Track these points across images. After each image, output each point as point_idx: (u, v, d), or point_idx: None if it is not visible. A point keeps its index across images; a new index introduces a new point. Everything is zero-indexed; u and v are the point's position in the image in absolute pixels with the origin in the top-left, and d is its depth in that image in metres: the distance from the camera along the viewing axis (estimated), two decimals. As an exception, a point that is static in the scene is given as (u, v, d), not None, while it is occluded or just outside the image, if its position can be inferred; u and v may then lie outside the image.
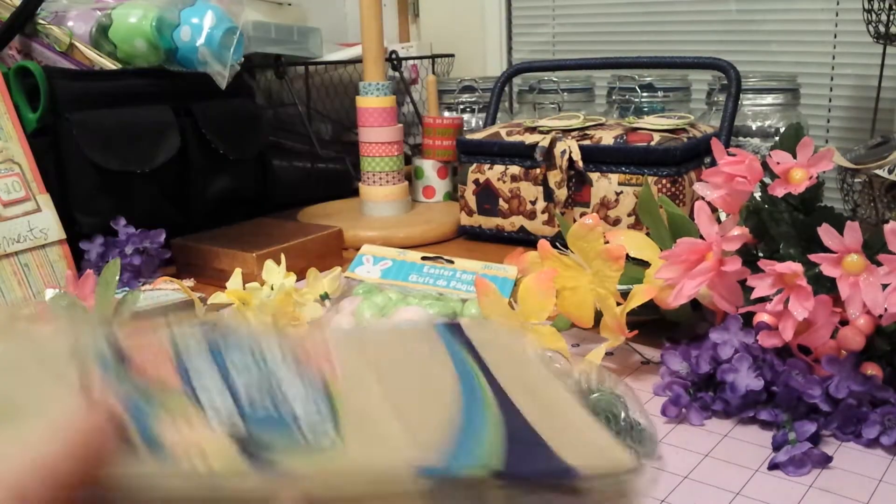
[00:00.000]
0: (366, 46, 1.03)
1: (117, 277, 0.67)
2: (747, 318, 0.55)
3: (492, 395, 0.37)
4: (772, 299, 0.53)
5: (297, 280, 0.74)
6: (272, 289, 0.72)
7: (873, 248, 0.52)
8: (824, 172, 0.60)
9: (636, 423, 0.47)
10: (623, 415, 0.47)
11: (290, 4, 1.28)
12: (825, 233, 0.51)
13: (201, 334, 0.31)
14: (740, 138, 1.08)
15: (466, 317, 0.69)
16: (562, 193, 0.91)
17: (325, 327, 0.37)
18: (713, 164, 0.60)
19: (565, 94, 1.24)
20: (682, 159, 0.88)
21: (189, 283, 0.82)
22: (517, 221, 0.97)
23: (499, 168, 0.96)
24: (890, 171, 0.86)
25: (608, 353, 0.64)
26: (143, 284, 0.82)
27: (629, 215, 0.88)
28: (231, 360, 0.30)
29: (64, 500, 0.20)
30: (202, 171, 0.97)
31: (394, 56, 1.34)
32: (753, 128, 1.08)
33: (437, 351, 0.40)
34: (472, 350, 0.41)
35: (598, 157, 0.90)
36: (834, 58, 1.22)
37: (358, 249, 0.79)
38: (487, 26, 1.55)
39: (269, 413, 0.28)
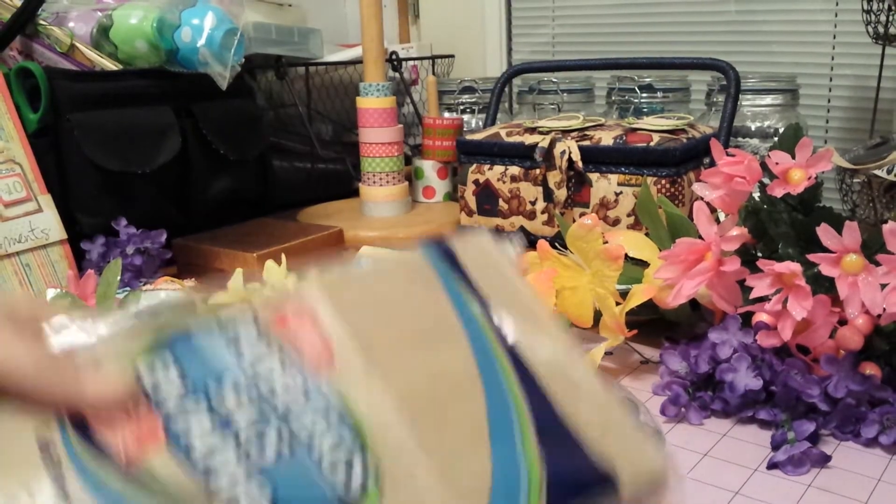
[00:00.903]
0: (366, 47, 1.03)
1: (118, 277, 0.68)
2: (746, 318, 0.56)
3: (514, 377, 0.36)
4: (770, 299, 0.53)
5: (298, 280, 0.74)
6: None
7: (872, 248, 0.52)
8: (823, 173, 0.60)
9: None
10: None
11: (290, 5, 1.29)
12: (824, 233, 0.51)
13: (176, 373, 0.28)
14: (739, 139, 1.09)
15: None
16: (561, 194, 0.91)
17: (307, 291, 0.33)
18: (712, 164, 0.60)
19: (565, 94, 1.24)
20: (682, 160, 0.88)
21: (190, 283, 0.82)
22: (517, 222, 0.97)
23: (499, 168, 0.97)
24: (889, 172, 0.87)
25: (608, 353, 0.64)
26: (144, 284, 0.82)
27: (628, 216, 0.88)
28: (222, 397, 0.28)
29: None
30: (203, 171, 0.97)
31: (394, 57, 1.34)
32: (752, 128, 1.09)
33: (438, 303, 0.37)
34: (472, 287, 0.38)
35: (598, 158, 0.90)
36: (833, 58, 1.22)
37: (358, 249, 0.79)
38: (487, 27, 1.55)
39: (288, 464, 0.26)
